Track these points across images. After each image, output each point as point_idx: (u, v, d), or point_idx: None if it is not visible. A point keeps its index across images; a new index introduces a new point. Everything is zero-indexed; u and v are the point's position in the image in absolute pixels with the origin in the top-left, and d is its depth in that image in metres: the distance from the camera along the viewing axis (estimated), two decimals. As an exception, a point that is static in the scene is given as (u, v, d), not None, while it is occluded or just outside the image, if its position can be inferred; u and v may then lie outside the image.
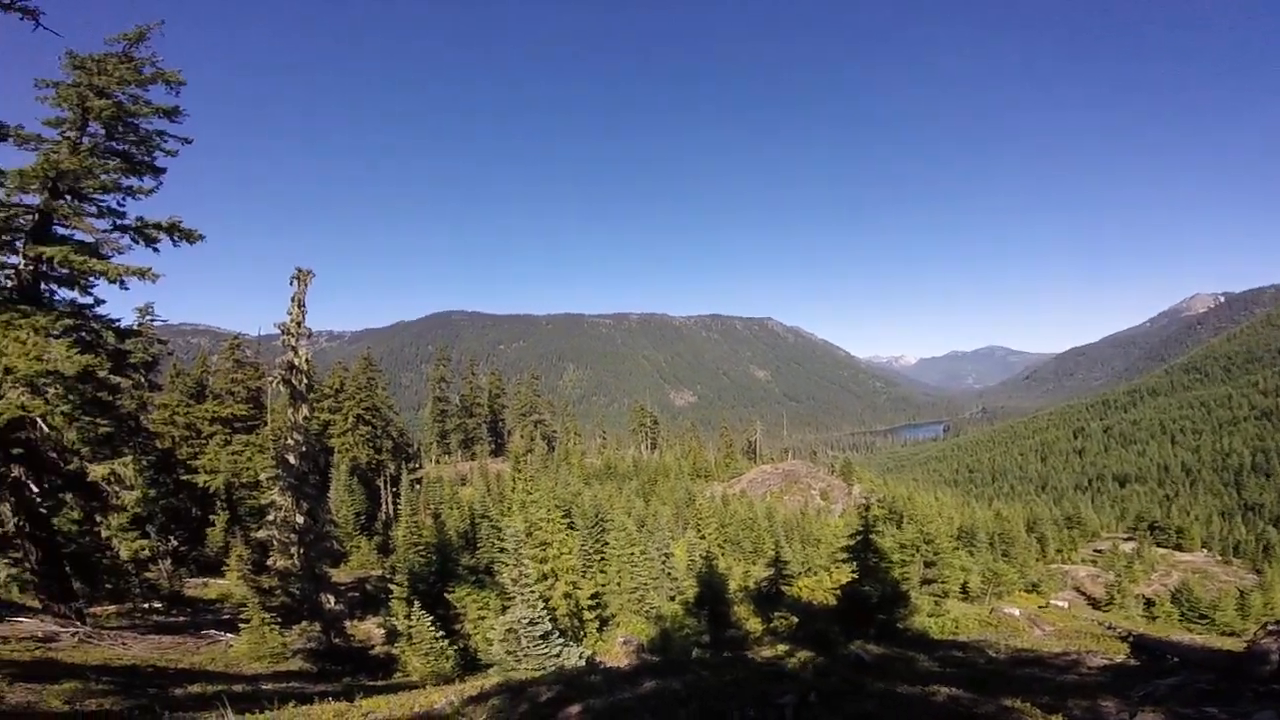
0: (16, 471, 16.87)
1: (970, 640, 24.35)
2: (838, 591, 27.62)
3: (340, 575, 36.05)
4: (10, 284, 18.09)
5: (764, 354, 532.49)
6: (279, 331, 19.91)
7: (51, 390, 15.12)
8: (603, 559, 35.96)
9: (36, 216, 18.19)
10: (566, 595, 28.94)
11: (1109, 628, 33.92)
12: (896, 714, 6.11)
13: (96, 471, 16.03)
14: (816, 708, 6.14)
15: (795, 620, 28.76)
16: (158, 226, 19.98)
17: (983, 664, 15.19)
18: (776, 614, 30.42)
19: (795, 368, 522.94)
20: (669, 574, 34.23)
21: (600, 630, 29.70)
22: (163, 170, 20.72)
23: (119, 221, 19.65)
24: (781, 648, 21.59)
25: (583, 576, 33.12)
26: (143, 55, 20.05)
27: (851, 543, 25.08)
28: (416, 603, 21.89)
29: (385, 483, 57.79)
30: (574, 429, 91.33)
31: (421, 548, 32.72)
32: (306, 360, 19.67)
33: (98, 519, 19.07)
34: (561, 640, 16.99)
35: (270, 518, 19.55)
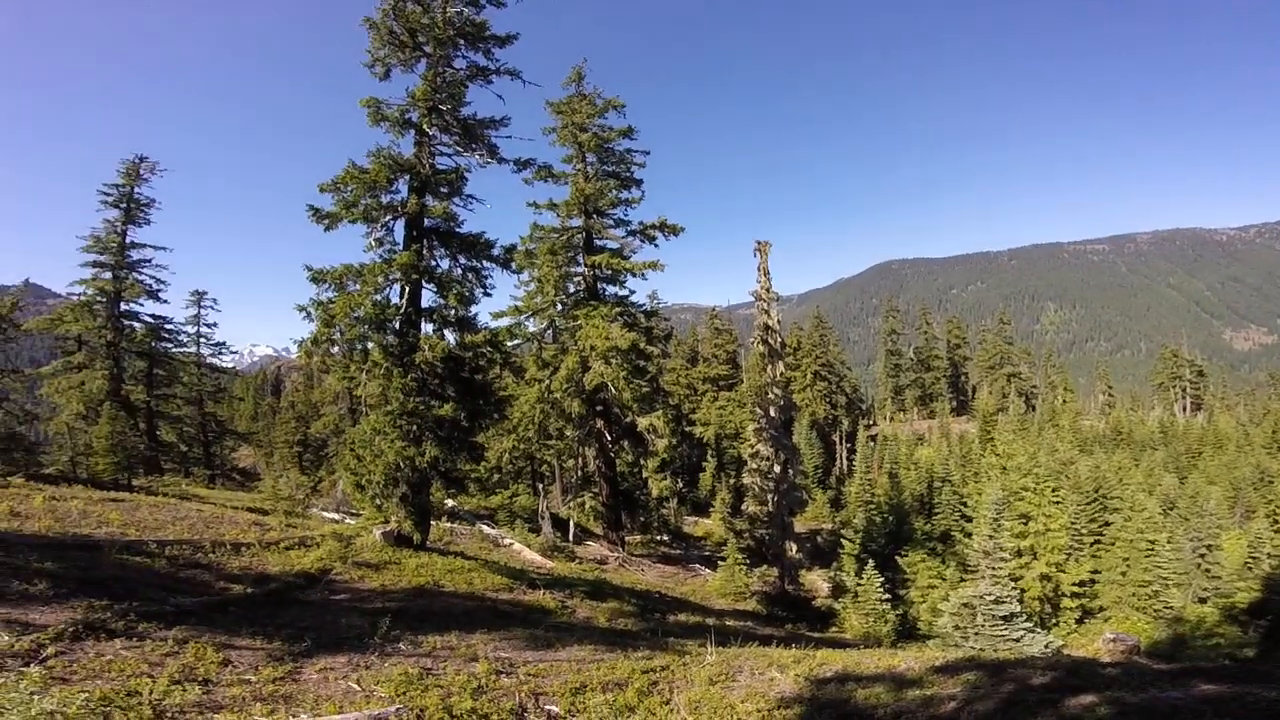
0: (599, 424, 24.67)
1: None
2: None
3: (796, 525, 39.41)
4: (581, 287, 26.24)
5: None
6: (752, 299, 23.13)
7: (614, 360, 21.39)
8: (1098, 542, 29.49)
9: (584, 234, 25.75)
10: (1044, 577, 25.07)
11: None
12: None
13: (642, 423, 22.10)
14: None
15: None
16: (653, 227, 25.61)
17: None
18: None
19: None
20: (1206, 570, 26.04)
21: (1079, 623, 24.85)
22: (640, 181, 26.19)
23: (628, 229, 25.99)
24: None
25: (1068, 558, 27.87)
26: (589, 91, 25.65)
27: None
28: (870, 561, 21.98)
29: (840, 438, 60.23)
30: (1063, 383, 75.95)
31: (874, 507, 32.69)
32: (777, 321, 22.30)
33: (641, 462, 25.81)
34: (1027, 624, 14.96)
35: (753, 465, 22.61)
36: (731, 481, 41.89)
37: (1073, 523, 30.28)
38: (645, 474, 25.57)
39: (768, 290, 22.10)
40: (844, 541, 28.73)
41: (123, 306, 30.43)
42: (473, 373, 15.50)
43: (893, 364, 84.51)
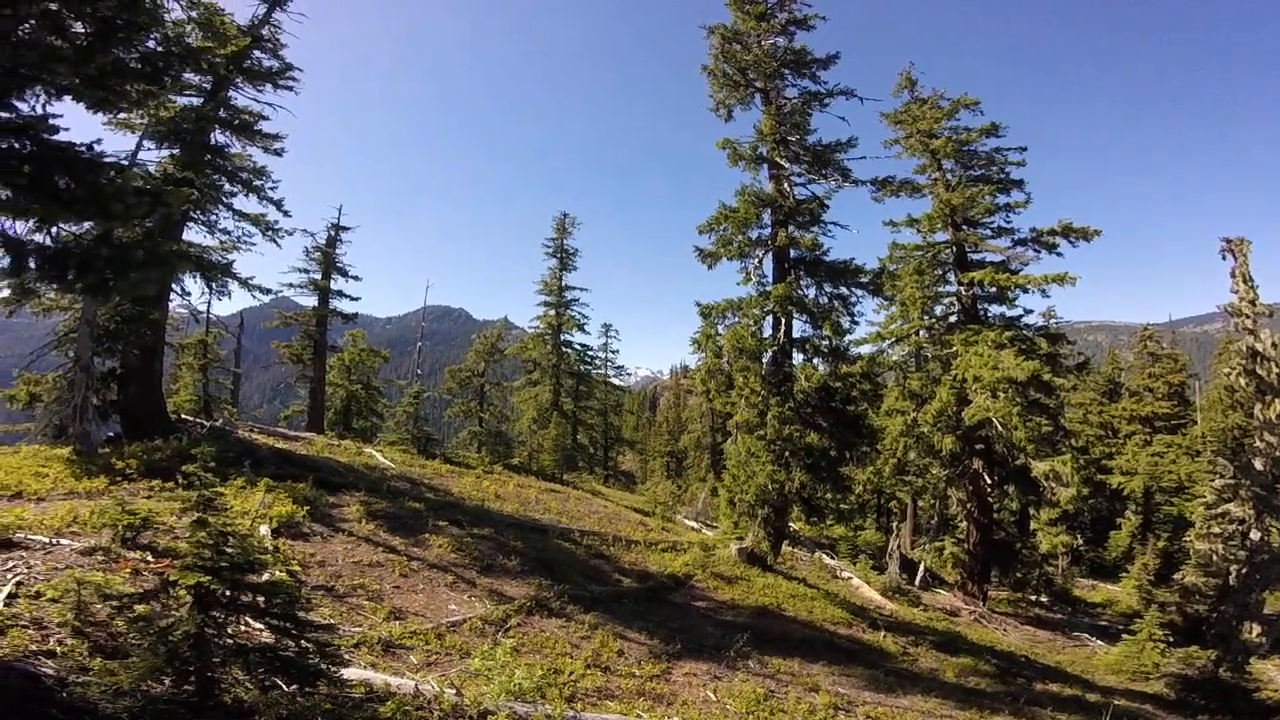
0: (976, 464, 21.37)
1: None
2: None
3: (1266, 605, 28.62)
4: (956, 308, 23.27)
5: None
6: (1220, 314, 17.86)
7: (1003, 394, 18.35)
8: None
9: (954, 249, 22.82)
10: None
11: None
12: None
13: (1039, 468, 18.29)
14: None
15: None
16: (1052, 232, 21.36)
17: None
18: None
19: None
20: None
21: None
22: (1020, 182, 22.21)
23: (1013, 238, 22.16)
24: None
25: None
26: (928, 95, 22.62)
27: None
28: None
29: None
30: None
31: None
32: (1273, 345, 16.43)
33: (1030, 512, 21.59)
34: None
35: (1210, 529, 17.47)
36: (1160, 545, 33.31)
37: None
38: (1034, 525, 22.00)
39: (1252, 303, 16.08)
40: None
41: (561, 337, 39.43)
42: (844, 403, 15.22)
43: None
